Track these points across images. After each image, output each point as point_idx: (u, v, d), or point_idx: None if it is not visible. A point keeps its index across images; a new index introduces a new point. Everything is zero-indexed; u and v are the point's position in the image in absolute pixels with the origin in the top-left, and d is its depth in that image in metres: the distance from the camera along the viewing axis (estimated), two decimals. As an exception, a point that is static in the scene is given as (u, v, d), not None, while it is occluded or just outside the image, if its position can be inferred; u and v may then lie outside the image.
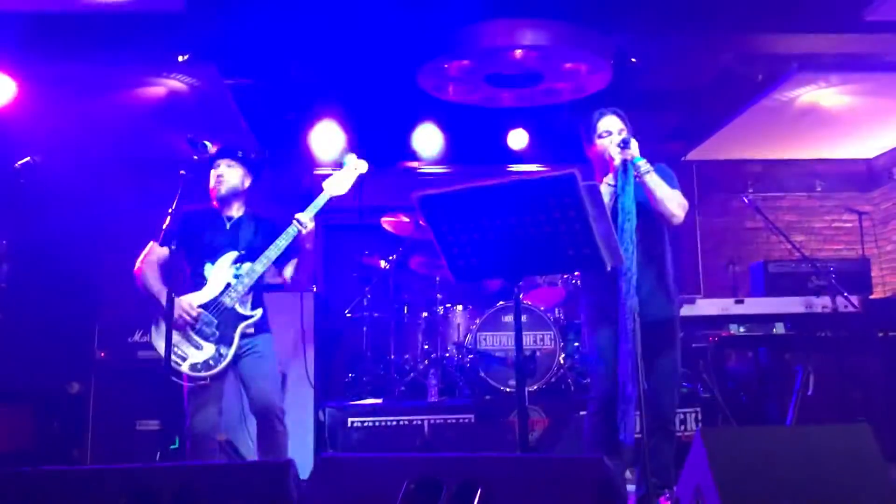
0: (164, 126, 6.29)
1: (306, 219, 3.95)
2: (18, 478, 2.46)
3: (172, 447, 4.49)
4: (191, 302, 3.85)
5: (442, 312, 6.22)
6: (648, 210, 3.53)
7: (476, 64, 5.69)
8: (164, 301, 3.64)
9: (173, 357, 3.69)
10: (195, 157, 3.74)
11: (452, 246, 3.15)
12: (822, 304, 5.27)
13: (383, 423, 5.47)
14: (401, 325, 6.51)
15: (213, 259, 3.98)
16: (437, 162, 7.37)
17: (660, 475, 3.59)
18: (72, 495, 2.43)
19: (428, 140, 6.95)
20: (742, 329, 5.43)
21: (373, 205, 7.14)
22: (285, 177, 7.33)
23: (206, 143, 3.80)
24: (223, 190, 4.07)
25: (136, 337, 5.42)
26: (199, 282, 3.97)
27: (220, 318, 3.88)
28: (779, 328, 5.37)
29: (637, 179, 3.48)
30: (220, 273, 3.96)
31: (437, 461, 2.45)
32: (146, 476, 2.50)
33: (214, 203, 4.12)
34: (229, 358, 3.85)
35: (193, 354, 3.82)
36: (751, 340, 5.50)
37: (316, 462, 2.58)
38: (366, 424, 5.46)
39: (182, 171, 3.71)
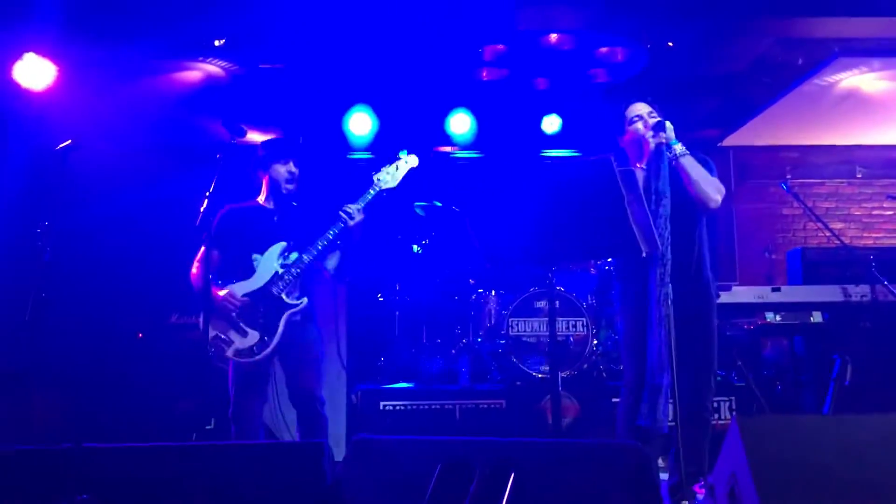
0: (201, 110, 6.35)
1: (354, 210, 4.02)
2: (60, 454, 2.52)
3: (208, 427, 4.56)
4: (234, 291, 3.96)
5: (474, 298, 6.22)
6: (684, 195, 3.49)
7: (511, 48, 5.66)
8: (216, 294, 3.89)
9: (220, 342, 3.88)
10: (233, 141, 3.78)
11: (486, 230, 3.15)
12: (861, 292, 5.18)
13: (415, 407, 5.50)
14: (433, 309, 6.52)
15: (262, 250, 4.06)
16: (470, 147, 7.34)
17: (694, 463, 3.57)
18: (111, 472, 2.48)
19: (462, 125, 6.93)
20: (778, 317, 5.35)
21: (407, 188, 7.14)
22: (319, 162, 7.36)
23: (244, 126, 3.84)
24: (293, 186, 4.18)
25: (175, 319, 5.50)
26: (248, 272, 4.05)
27: (266, 306, 3.97)
28: (816, 317, 5.29)
29: (672, 163, 3.44)
30: (268, 263, 4.04)
31: (470, 444, 2.46)
32: (182, 455, 2.55)
33: (260, 198, 4.22)
34: (273, 345, 3.93)
35: (239, 340, 3.93)
36: (787, 329, 5.43)
37: (349, 444, 2.61)
38: (398, 408, 5.50)
39: (218, 155, 3.75)
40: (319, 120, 7.05)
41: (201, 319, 3.81)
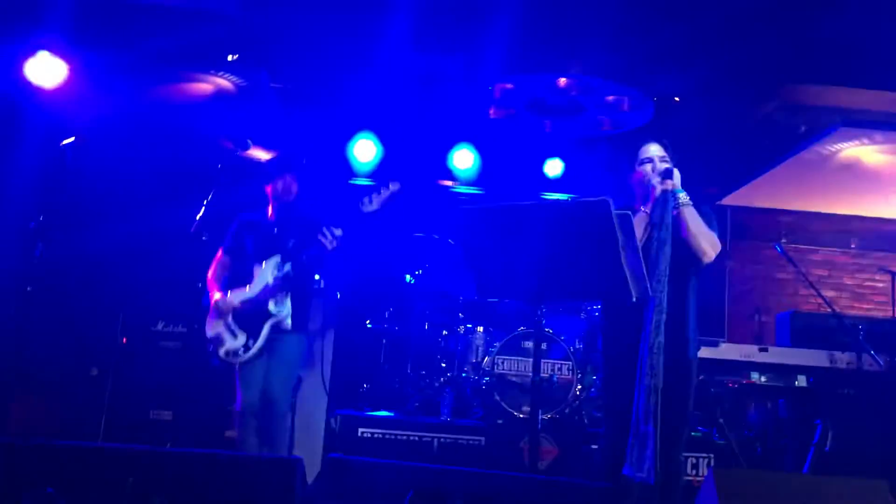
0: (207, 122, 6.38)
1: (333, 232, 4.20)
2: (31, 449, 2.50)
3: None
4: (232, 297, 4.31)
5: (462, 332, 6.20)
6: (681, 245, 3.50)
7: (519, 88, 5.72)
8: (214, 297, 4.30)
9: (216, 342, 4.27)
10: (238, 152, 3.82)
11: (480, 263, 3.16)
12: (847, 359, 5.17)
13: (393, 437, 5.45)
14: (420, 340, 6.49)
15: (261, 260, 4.36)
16: (472, 183, 7.38)
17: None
18: (82, 470, 2.45)
19: (465, 160, 6.98)
20: (764, 378, 5.33)
21: (405, 219, 7.17)
22: (321, 184, 7.39)
23: (249, 140, 3.88)
24: (291, 199, 4.47)
25: (160, 326, 5.48)
26: (248, 280, 4.36)
27: (255, 313, 4.28)
28: (801, 381, 5.27)
29: (674, 211, 3.46)
30: (265, 273, 4.33)
31: (445, 473, 2.44)
32: (155, 459, 2.53)
33: (269, 209, 4.49)
34: (255, 350, 4.24)
35: (229, 342, 4.28)
36: (771, 391, 5.41)
37: (323, 462, 2.59)
38: (375, 436, 5.45)
39: (220, 165, 3.78)
40: (324, 143, 7.09)
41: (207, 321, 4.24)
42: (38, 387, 5.47)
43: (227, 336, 4.26)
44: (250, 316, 4.27)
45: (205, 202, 3.79)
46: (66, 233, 4.35)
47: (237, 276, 4.39)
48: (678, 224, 3.48)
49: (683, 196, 3.48)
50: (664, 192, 3.42)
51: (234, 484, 2.47)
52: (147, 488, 2.35)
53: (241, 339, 4.25)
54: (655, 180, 3.47)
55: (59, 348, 5.48)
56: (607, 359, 3.72)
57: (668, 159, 3.65)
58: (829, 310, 5.59)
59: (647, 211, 3.48)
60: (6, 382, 4.82)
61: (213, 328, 4.28)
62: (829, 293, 7.71)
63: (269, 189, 4.43)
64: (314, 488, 2.51)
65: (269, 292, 4.26)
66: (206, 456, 2.65)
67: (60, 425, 5.48)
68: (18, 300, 3.80)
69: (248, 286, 4.32)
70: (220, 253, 4.45)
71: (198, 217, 3.81)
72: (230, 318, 4.27)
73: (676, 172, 3.47)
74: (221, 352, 4.25)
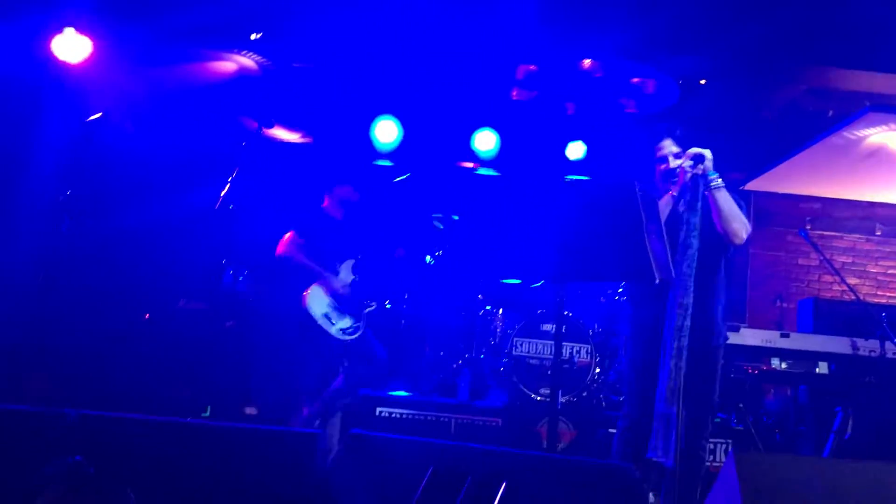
0: (231, 100, 6.40)
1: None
2: (58, 417, 2.53)
3: (204, 415, 4.59)
4: (338, 282, 4.84)
5: (481, 314, 6.21)
6: (710, 229, 3.47)
7: (543, 69, 5.69)
8: (323, 274, 4.79)
9: (325, 321, 4.72)
10: (261, 131, 3.83)
11: (501, 244, 3.16)
12: (869, 347, 5.12)
13: (411, 416, 5.47)
14: (438, 321, 6.50)
15: (338, 259, 4.92)
16: (493, 165, 7.36)
17: (685, 501, 3.53)
18: (105, 440, 2.49)
19: (487, 142, 6.96)
20: (784, 364, 5.30)
21: (425, 200, 7.16)
22: (343, 165, 7.39)
23: (272, 119, 3.89)
24: (355, 203, 5.03)
25: (182, 303, 5.52)
26: (332, 272, 4.89)
27: (352, 301, 4.87)
28: (822, 368, 5.24)
29: (705, 193, 3.42)
30: (346, 270, 4.95)
31: (465, 451, 2.45)
32: (177, 430, 2.56)
33: (336, 211, 5.01)
34: (361, 331, 4.87)
35: (337, 320, 4.79)
36: (792, 377, 5.37)
37: (344, 437, 2.61)
38: (393, 415, 5.48)
39: (244, 143, 3.79)
40: (346, 123, 7.09)
41: (309, 295, 4.67)
42: (60, 360, 5.53)
43: (334, 314, 4.76)
44: (349, 302, 4.84)
45: (229, 180, 3.80)
46: (91, 208, 4.38)
47: (318, 262, 4.81)
48: (708, 207, 3.45)
49: (716, 178, 3.45)
50: (695, 176, 3.38)
51: (255, 456, 2.50)
52: (169, 458, 2.38)
53: (349, 320, 4.82)
54: (687, 164, 3.42)
55: (83, 323, 5.53)
56: (634, 341, 3.70)
57: (682, 154, 3.60)
58: (852, 297, 5.54)
59: (675, 194, 3.45)
60: (30, 354, 4.88)
61: (321, 304, 4.72)
62: (852, 281, 7.62)
63: (338, 192, 4.94)
64: (335, 463, 2.54)
65: (356, 287, 4.88)
66: (228, 428, 2.67)
67: (82, 398, 5.54)
68: (45, 275, 3.84)
69: (338, 276, 4.85)
70: (294, 235, 4.77)
71: (222, 194, 3.82)
72: (337, 299, 4.79)
73: (709, 154, 3.43)
74: (333, 330, 4.72)
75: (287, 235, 4.82)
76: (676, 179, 3.51)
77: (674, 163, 3.59)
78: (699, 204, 3.34)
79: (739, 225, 3.50)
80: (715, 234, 3.49)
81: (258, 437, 2.63)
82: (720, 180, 3.46)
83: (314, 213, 4.96)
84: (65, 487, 2.23)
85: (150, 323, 5.57)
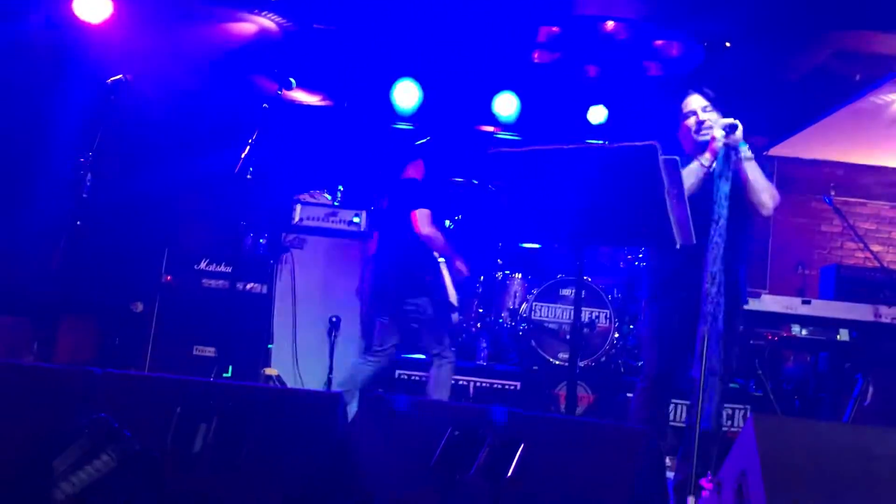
0: (251, 61, 6.38)
1: None
2: (84, 375, 2.58)
3: (225, 375, 4.64)
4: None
5: (500, 278, 6.22)
6: (740, 198, 3.44)
7: (565, 31, 5.61)
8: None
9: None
10: (281, 93, 3.81)
11: (520, 207, 3.15)
12: (892, 314, 5.08)
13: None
14: (457, 285, 6.50)
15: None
16: (513, 128, 7.30)
17: (701, 465, 3.54)
18: (130, 397, 2.53)
19: (507, 106, 6.90)
20: (805, 331, 5.27)
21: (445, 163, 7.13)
22: (362, 128, 7.37)
23: (292, 79, 3.87)
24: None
25: (203, 265, 5.55)
26: None
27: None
28: (843, 335, 5.20)
29: (736, 163, 3.39)
30: None
31: (483, 412, 2.47)
32: (202, 389, 2.59)
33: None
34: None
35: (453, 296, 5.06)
36: (812, 344, 5.35)
37: (364, 399, 2.63)
38: (412, 378, 5.53)
39: (265, 105, 3.78)
40: (366, 86, 7.05)
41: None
42: (85, 320, 5.60)
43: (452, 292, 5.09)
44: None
45: (249, 142, 3.80)
46: (113, 169, 4.40)
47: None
48: (738, 177, 3.42)
49: (746, 150, 3.41)
50: (726, 146, 3.34)
51: (278, 417, 2.53)
52: (194, 417, 2.42)
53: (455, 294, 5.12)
54: (719, 134, 3.37)
55: (106, 281, 5.58)
56: (651, 302, 3.68)
57: (710, 108, 3.58)
58: (875, 264, 5.49)
59: (703, 163, 3.41)
60: (55, 314, 4.94)
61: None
62: (875, 248, 7.54)
63: (421, 164, 4.94)
64: (356, 424, 2.57)
65: None
66: (251, 389, 2.71)
67: (106, 358, 5.62)
68: (68, 234, 3.88)
69: None
70: (429, 212, 4.78)
71: (242, 156, 3.82)
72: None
73: (739, 125, 3.39)
74: (455, 317, 5.18)
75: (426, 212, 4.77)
76: (701, 136, 3.48)
77: (702, 116, 3.56)
78: (730, 173, 3.30)
79: (768, 196, 3.48)
80: (743, 203, 3.47)
81: (282, 397, 2.66)
82: (750, 152, 3.42)
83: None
84: (90, 443, 2.28)
85: (171, 284, 5.61)
